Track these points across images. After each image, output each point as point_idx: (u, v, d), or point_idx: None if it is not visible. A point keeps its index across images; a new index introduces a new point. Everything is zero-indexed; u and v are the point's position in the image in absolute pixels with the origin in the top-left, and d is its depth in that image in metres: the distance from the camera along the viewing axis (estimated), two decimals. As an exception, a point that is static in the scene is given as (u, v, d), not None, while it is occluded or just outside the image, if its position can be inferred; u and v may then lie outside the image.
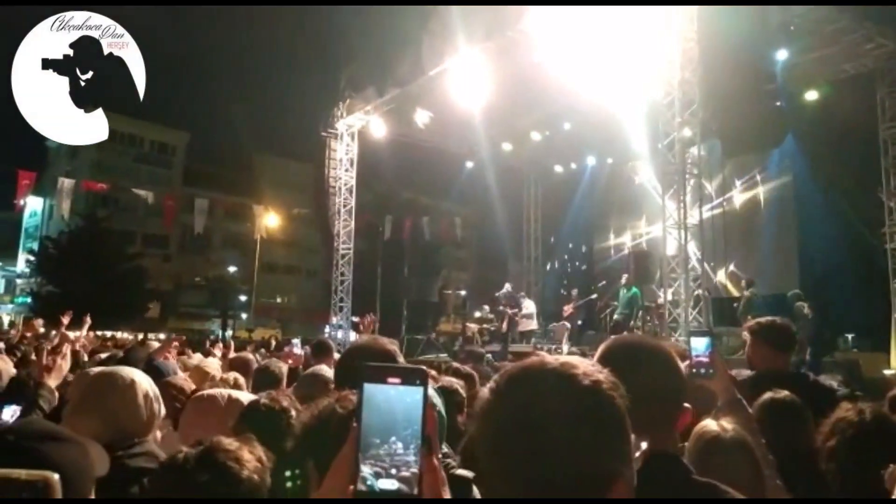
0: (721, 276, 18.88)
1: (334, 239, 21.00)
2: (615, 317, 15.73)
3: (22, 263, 47.79)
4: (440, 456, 0.82)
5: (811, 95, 15.61)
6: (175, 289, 50.01)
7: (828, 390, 3.39)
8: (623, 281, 15.66)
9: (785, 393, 2.58)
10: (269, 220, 29.49)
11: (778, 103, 16.24)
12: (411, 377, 0.81)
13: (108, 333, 22.70)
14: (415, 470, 0.78)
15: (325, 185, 21.55)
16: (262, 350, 12.95)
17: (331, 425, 1.34)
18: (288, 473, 1.51)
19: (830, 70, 15.01)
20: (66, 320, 6.34)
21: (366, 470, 0.78)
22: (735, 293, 15.63)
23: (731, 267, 18.85)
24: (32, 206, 48.01)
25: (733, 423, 1.97)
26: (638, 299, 15.03)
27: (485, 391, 0.93)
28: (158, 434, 2.41)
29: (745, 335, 3.42)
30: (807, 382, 3.27)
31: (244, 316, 48.79)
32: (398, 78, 17.74)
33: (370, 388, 0.81)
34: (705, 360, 2.15)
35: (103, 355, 6.60)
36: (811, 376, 3.53)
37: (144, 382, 2.31)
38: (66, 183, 21.17)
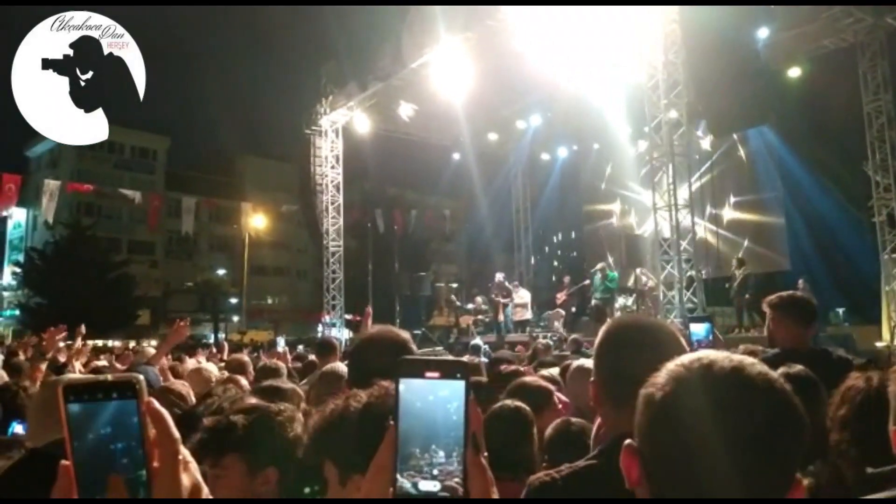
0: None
1: (323, 237, 20.89)
2: (593, 302, 15.75)
3: (8, 276, 47.24)
4: (485, 454, 0.75)
5: (794, 72, 15.65)
6: (164, 295, 49.64)
7: (847, 362, 3.36)
8: (598, 267, 15.87)
9: (799, 367, 2.47)
10: (256, 220, 29.28)
11: (760, 82, 16.29)
12: (451, 370, 0.73)
13: (100, 343, 22.48)
14: (459, 470, 0.71)
15: (312, 183, 21.40)
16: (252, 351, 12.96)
17: (346, 422, 1.29)
18: (306, 487, 1.46)
19: (811, 46, 15.04)
20: (62, 335, 6.26)
21: (405, 471, 0.72)
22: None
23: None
24: (16, 217, 47.50)
25: None
26: (615, 281, 15.36)
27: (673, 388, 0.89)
28: None
29: (766, 309, 3.28)
30: (830, 358, 3.21)
31: (235, 318, 48.55)
32: (379, 72, 17.59)
33: (406, 384, 0.73)
34: (706, 344, 2.15)
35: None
36: (833, 352, 3.48)
37: None
38: (52, 185, 20.57)
